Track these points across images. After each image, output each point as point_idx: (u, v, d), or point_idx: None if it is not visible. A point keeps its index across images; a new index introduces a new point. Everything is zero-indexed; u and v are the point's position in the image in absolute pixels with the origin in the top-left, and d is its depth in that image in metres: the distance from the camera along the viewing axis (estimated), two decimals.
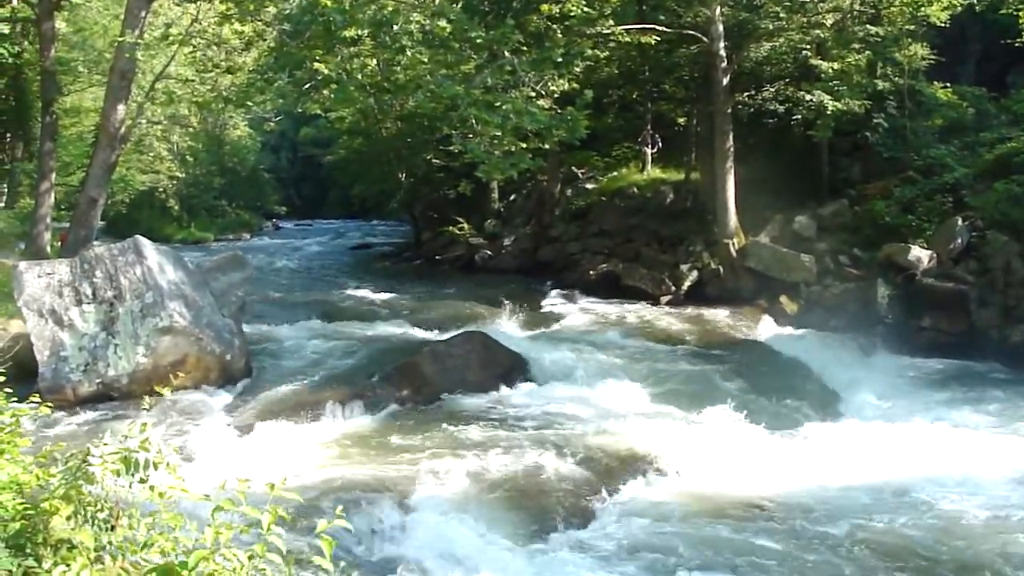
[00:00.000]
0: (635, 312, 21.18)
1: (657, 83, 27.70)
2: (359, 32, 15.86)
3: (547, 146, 16.34)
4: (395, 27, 14.61)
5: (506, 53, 15.15)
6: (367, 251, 39.81)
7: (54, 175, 20.58)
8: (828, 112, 20.97)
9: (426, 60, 15.08)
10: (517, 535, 9.46)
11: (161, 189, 45.98)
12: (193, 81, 24.69)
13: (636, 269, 23.88)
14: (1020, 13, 19.94)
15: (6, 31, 21.29)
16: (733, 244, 22.16)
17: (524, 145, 15.08)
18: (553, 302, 22.78)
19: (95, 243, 16.62)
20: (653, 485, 11.13)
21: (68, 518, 4.20)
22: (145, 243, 14.22)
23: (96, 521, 4.30)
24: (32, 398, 5.73)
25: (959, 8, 21.96)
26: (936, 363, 17.99)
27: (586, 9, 19.79)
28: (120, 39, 16.86)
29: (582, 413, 13.41)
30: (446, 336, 16.90)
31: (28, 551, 4.10)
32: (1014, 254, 19.09)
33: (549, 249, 28.36)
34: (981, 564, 9.00)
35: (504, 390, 14.62)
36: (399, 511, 9.59)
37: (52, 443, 7.34)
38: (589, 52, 22.73)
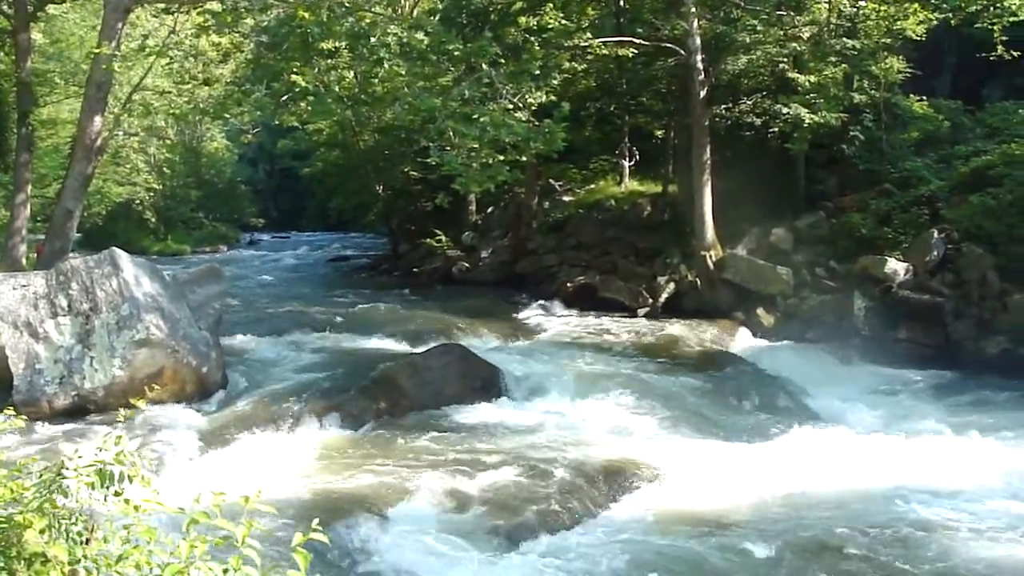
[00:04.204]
0: (612, 324, 21.22)
1: (635, 96, 27.78)
2: (337, 44, 15.90)
3: (524, 159, 16.35)
4: (373, 39, 14.58)
5: (484, 66, 15.15)
6: (344, 263, 39.64)
7: (30, 187, 20.40)
8: (805, 125, 21.05)
9: (404, 72, 15.04)
10: (493, 548, 9.45)
11: (138, 201, 45.78)
12: (170, 93, 24.63)
13: (613, 281, 23.90)
14: (995, 27, 20.07)
15: None
16: (710, 256, 22.21)
17: (501, 157, 15.06)
18: (531, 314, 22.78)
19: (71, 255, 16.50)
20: (629, 498, 11.15)
21: (42, 531, 4.16)
22: (121, 255, 14.13)
23: (70, 535, 4.26)
24: (7, 411, 5.67)
25: (935, 22, 22.12)
26: (913, 374, 18.06)
27: (564, 22, 19.96)
28: (97, 51, 16.76)
29: (559, 426, 13.41)
30: (423, 349, 16.87)
31: (1, 565, 4.06)
32: (989, 266, 19.21)
33: (527, 261, 28.28)
34: (960, 574, 9.05)
35: (481, 403, 14.58)
36: (376, 524, 9.57)
37: (26, 456, 7.29)
38: (567, 65, 22.91)
